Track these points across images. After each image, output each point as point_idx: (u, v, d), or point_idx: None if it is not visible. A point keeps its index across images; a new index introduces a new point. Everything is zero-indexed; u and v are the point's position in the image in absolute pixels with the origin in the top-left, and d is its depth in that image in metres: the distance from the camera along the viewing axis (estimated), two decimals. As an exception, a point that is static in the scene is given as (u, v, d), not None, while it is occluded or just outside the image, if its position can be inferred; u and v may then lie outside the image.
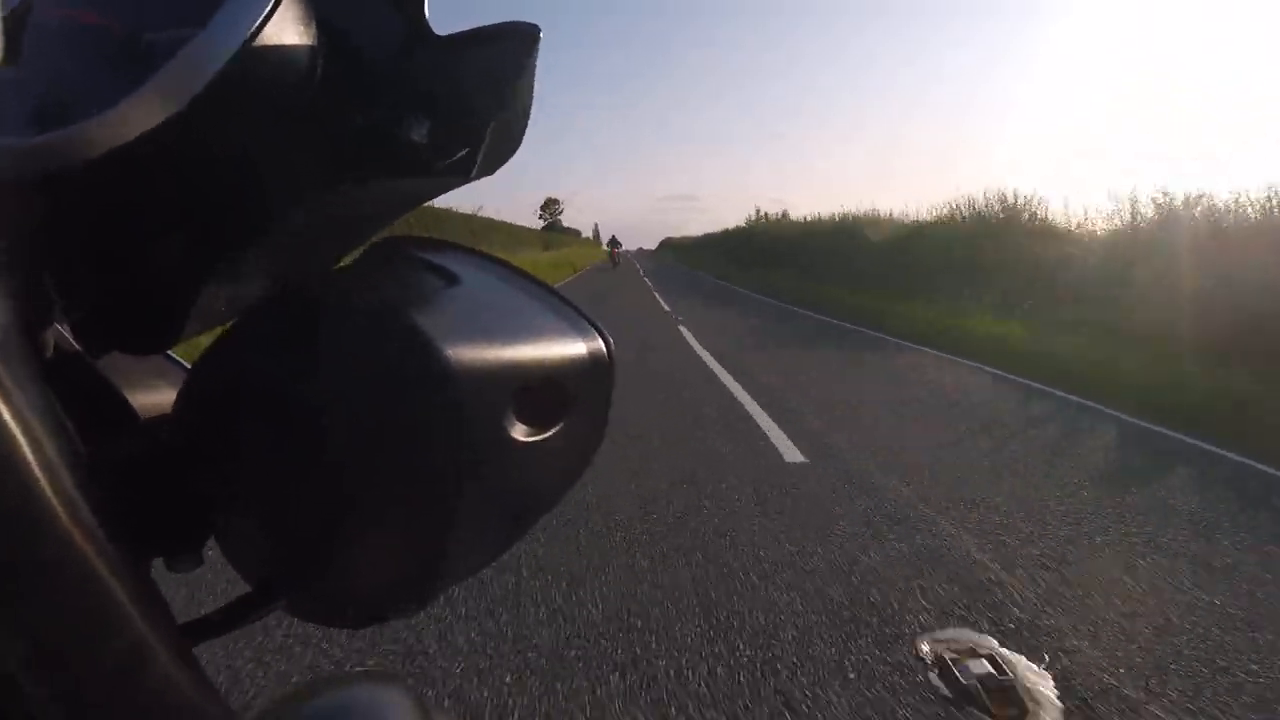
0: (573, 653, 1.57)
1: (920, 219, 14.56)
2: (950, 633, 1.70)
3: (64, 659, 0.15)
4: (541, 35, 0.23)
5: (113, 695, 0.16)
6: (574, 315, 0.23)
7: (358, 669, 1.45)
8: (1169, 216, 9.03)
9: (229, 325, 0.22)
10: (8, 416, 0.13)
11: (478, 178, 0.24)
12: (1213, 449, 3.62)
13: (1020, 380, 5.42)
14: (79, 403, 0.18)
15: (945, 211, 14.13)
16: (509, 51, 0.22)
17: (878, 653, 1.61)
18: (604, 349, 0.22)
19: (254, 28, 0.18)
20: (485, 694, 1.44)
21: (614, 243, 34.37)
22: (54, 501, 0.14)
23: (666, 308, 11.29)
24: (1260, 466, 3.31)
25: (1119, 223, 10.09)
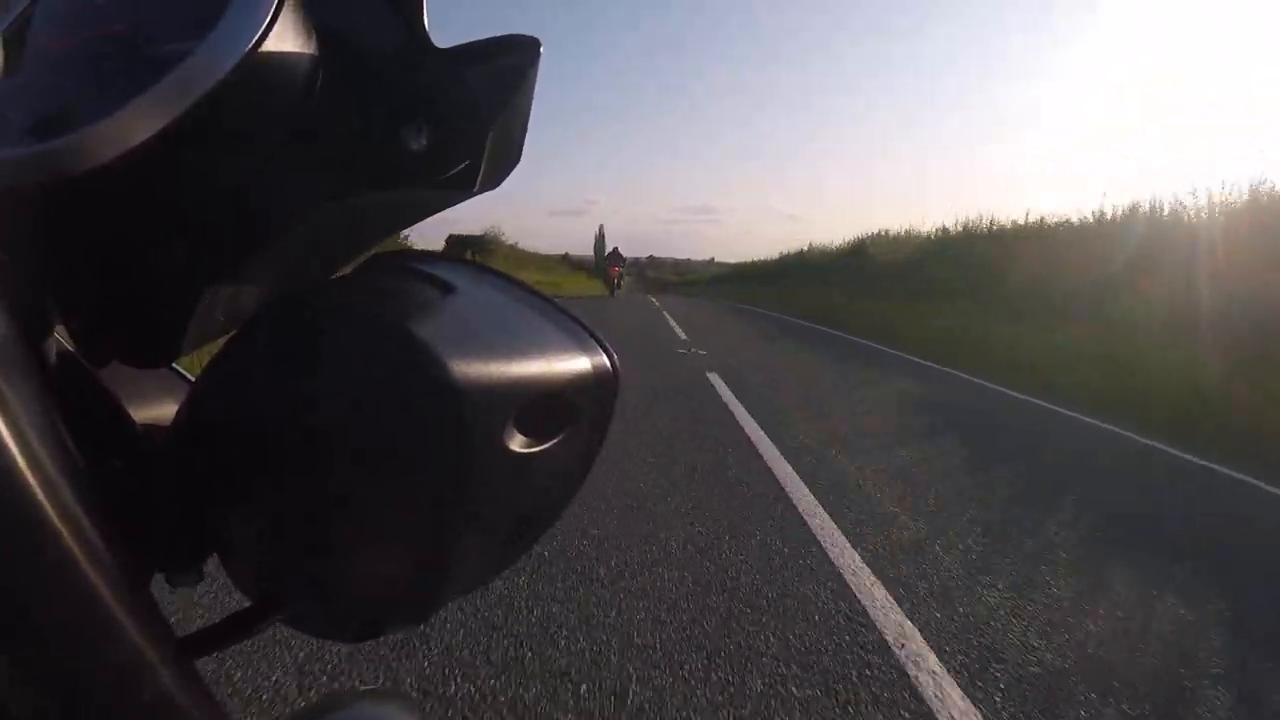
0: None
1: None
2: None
3: (61, 674, 0.14)
4: (542, 50, 0.23)
5: (111, 710, 0.15)
6: (578, 329, 0.23)
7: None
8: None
9: (229, 337, 0.22)
10: (6, 428, 0.13)
11: (480, 191, 0.24)
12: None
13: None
14: (79, 415, 0.18)
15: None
16: (510, 64, 0.23)
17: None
18: (608, 364, 0.22)
19: (255, 39, 0.18)
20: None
21: (615, 258, 23.12)
22: (51, 514, 0.14)
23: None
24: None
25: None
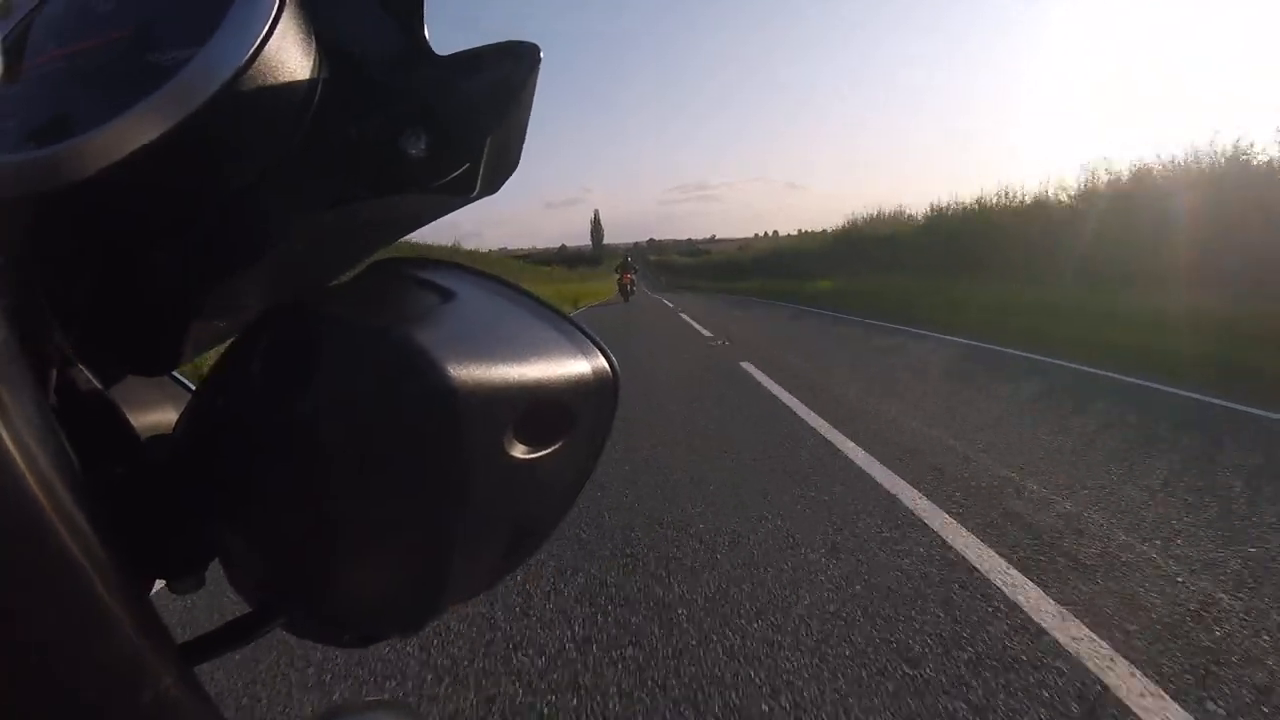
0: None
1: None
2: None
3: (61, 680, 0.14)
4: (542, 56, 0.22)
5: (111, 717, 0.16)
6: (577, 334, 0.22)
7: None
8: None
9: (230, 345, 0.22)
10: (6, 435, 0.13)
11: (479, 197, 0.23)
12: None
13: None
14: (79, 422, 0.18)
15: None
16: (510, 71, 0.22)
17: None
18: (608, 369, 0.22)
19: (255, 46, 0.18)
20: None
21: (627, 267, 20.83)
22: (52, 521, 0.14)
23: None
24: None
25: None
